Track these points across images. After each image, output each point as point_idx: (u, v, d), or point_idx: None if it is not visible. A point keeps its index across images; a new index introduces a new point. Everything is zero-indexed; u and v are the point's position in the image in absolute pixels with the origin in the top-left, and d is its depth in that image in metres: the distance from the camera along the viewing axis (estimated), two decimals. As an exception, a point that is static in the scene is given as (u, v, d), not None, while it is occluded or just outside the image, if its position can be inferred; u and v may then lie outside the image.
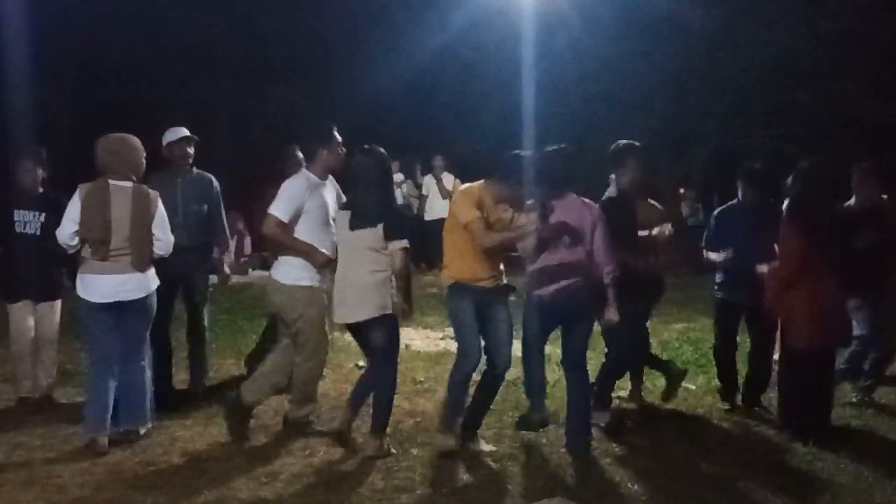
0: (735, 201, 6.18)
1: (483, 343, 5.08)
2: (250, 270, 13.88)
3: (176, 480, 4.61)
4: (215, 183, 6.20)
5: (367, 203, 4.94)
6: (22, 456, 4.99)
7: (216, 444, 5.22)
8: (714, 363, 6.31)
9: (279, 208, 5.11)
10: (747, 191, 6.05)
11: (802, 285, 5.28)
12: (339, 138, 5.31)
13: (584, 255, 5.07)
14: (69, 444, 5.13)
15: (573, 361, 5.23)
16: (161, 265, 5.73)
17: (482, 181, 5.10)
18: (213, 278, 6.48)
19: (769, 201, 6.09)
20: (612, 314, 5.18)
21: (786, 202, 5.85)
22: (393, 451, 5.02)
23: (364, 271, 4.91)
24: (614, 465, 4.87)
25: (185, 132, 6.06)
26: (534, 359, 5.29)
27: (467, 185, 5.17)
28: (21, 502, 4.34)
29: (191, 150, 6.07)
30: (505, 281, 5.18)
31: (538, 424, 5.30)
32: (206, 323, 6.29)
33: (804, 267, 5.27)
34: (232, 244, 13.28)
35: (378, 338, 4.98)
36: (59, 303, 6.06)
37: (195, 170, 6.15)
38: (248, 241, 14.41)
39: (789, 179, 7.10)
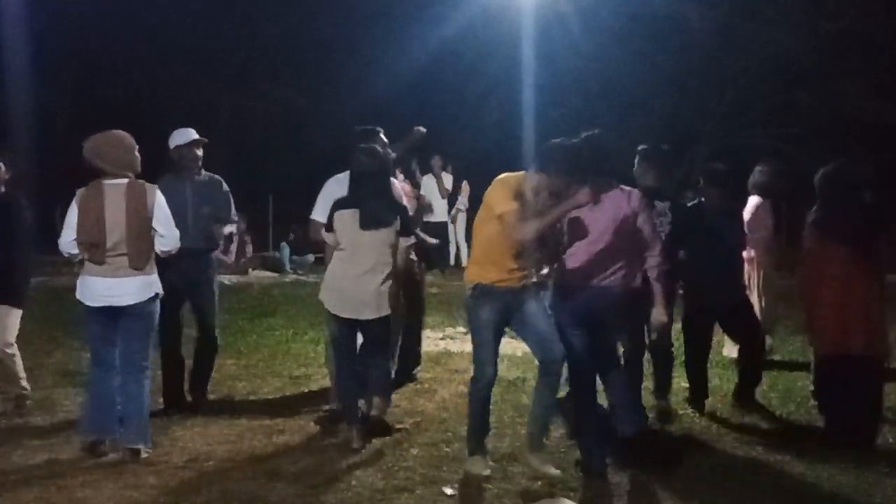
0: (697, 201, 6.13)
1: (529, 344, 4.81)
2: (250, 270, 13.91)
3: (176, 480, 4.61)
4: (225, 185, 6.08)
5: (379, 203, 5.07)
6: (22, 456, 4.98)
7: (216, 444, 5.22)
8: (692, 366, 6.07)
9: (317, 211, 5.65)
10: (711, 191, 5.96)
11: (835, 289, 5.21)
12: (381, 140, 5.62)
13: (616, 250, 4.70)
14: (69, 444, 5.12)
15: (605, 370, 4.83)
16: (169, 271, 5.66)
17: (522, 172, 4.72)
18: (230, 279, 6.43)
19: (731, 203, 6.09)
20: (659, 314, 4.83)
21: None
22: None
23: (383, 270, 5.08)
24: (614, 466, 4.86)
25: (194, 135, 5.91)
26: (582, 394, 4.81)
27: (505, 174, 4.75)
28: (21, 502, 4.34)
29: (200, 153, 5.93)
30: (534, 279, 4.84)
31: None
32: (216, 329, 6.12)
33: (836, 270, 5.22)
34: (234, 245, 13.30)
35: (384, 332, 5.21)
36: (14, 311, 5.71)
37: (204, 172, 6.00)
38: (249, 243, 14.43)
39: (752, 178, 7.08)
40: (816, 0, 16.36)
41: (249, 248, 14.45)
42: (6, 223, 5.62)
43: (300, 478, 4.67)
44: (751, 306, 6.12)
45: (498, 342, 4.73)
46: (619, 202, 4.75)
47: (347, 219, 5.06)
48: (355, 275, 5.05)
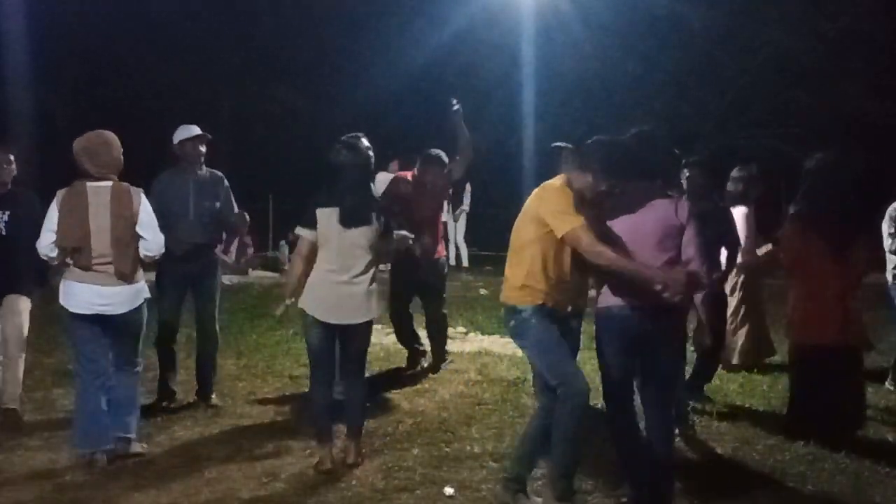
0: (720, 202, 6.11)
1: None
2: (250, 270, 13.90)
3: (176, 480, 4.61)
4: (225, 181, 6.10)
5: (360, 200, 4.84)
6: (22, 456, 4.99)
7: (216, 444, 5.22)
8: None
9: None
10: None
11: (812, 283, 5.27)
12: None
13: (661, 264, 4.09)
14: (69, 444, 5.11)
15: (655, 396, 4.26)
16: (171, 264, 5.65)
17: (562, 177, 4.25)
18: (230, 279, 6.39)
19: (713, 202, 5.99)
20: (707, 340, 4.54)
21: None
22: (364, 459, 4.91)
23: (369, 272, 4.85)
24: (613, 466, 4.86)
25: (197, 130, 5.94)
26: (623, 433, 4.31)
27: (549, 184, 4.23)
28: (21, 502, 4.34)
29: (203, 149, 5.95)
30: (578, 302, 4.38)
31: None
32: (217, 325, 6.10)
33: (812, 265, 5.26)
34: (234, 246, 13.28)
35: (366, 341, 4.98)
36: (24, 300, 5.64)
37: (206, 168, 6.03)
38: (250, 245, 14.41)
39: (731, 184, 7.05)
40: (816, 0, 16.38)
41: (251, 250, 14.45)
42: (18, 217, 5.57)
43: (300, 478, 4.67)
44: (720, 306, 6.07)
45: (571, 354, 4.24)
46: (666, 211, 4.15)
47: (327, 217, 4.82)
48: (341, 277, 4.80)
